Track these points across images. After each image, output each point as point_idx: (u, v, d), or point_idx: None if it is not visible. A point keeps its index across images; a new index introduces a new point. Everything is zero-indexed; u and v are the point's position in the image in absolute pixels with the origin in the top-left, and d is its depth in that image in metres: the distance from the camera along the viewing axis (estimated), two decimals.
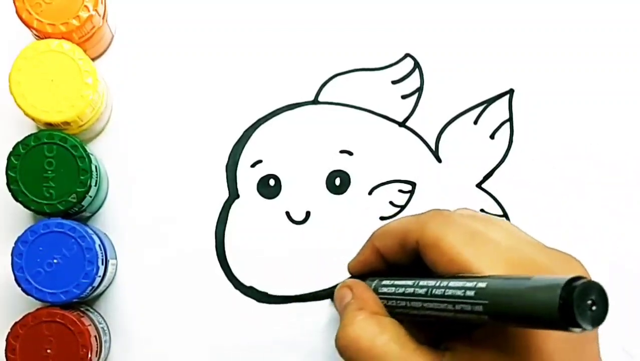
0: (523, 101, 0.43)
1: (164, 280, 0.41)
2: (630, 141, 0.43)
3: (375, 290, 0.36)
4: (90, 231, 0.38)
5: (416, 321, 0.33)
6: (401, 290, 0.33)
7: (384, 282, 0.35)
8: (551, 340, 0.29)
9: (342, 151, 0.42)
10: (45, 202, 0.37)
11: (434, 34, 0.43)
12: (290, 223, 0.42)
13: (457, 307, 0.29)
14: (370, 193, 0.42)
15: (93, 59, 0.41)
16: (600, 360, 0.31)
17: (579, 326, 0.24)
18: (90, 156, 0.38)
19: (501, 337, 0.30)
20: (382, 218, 0.42)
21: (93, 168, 0.38)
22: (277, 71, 0.43)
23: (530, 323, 0.26)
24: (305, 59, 0.43)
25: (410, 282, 0.33)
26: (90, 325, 0.38)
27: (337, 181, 0.42)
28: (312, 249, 0.42)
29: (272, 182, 0.42)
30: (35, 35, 0.39)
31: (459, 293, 0.29)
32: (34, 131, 0.39)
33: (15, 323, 0.37)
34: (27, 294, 0.37)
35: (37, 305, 0.38)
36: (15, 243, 0.37)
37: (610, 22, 0.43)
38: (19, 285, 0.37)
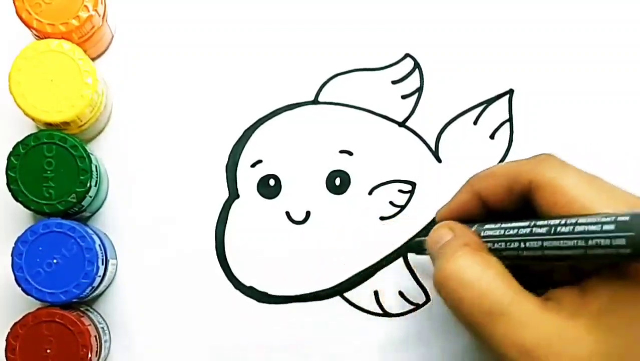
0: (523, 101, 0.43)
1: (164, 280, 0.41)
2: (630, 141, 0.43)
3: (477, 234, 0.34)
4: (90, 231, 0.38)
5: (516, 267, 0.32)
6: (513, 231, 0.32)
7: (488, 225, 0.34)
8: None
9: (342, 151, 0.42)
10: (45, 202, 0.37)
11: (434, 34, 0.43)
12: (290, 223, 0.42)
13: (591, 242, 0.28)
14: (370, 193, 0.42)
15: (93, 59, 0.41)
16: None
17: None
18: (90, 156, 0.38)
19: (617, 286, 0.29)
20: (382, 218, 0.42)
21: (93, 168, 0.38)
22: (277, 71, 0.43)
23: None
24: (305, 59, 0.43)
25: (524, 223, 0.32)
26: (90, 325, 0.38)
27: (337, 181, 0.42)
28: (312, 249, 0.42)
29: (272, 182, 0.42)
30: (35, 35, 0.39)
31: (594, 228, 0.28)
32: (34, 131, 0.39)
33: (15, 323, 0.37)
34: (27, 294, 0.37)
35: (37, 304, 0.38)
36: (15, 243, 0.37)
37: (610, 22, 0.43)
38: (19, 285, 0.37)
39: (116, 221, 0.42)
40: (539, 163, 0.33)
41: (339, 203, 0.42)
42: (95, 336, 0.38)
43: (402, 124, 0.43)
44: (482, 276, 0.32)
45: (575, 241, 0.29)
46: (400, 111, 0.43)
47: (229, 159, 0.42)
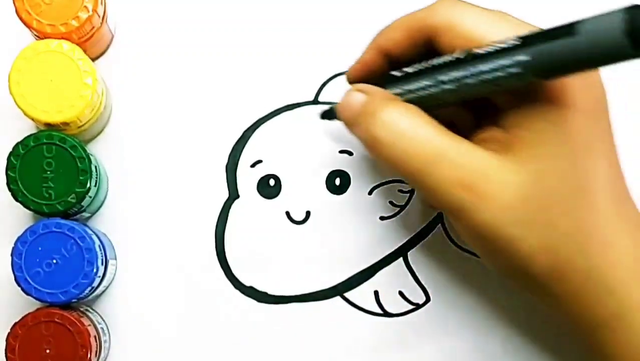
0: None
1: (164, 280, 0.41)
2: (630, 141, 0.42)
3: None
4: (89, 231, 0.38)
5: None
6: (422, 83, 0.33)
7: (397, 78, 0.35)
8: (577, 117, 0.31)
9: (342, 151, 0.42)
10: (44, 202, 0.37)
11: None
12: (290, 223, 0.42)
13: (496, 73, 0.30)
14: (370, 192, 0.42)
15: (93, 59, 0.41)
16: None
17: None
18: (90, 156, 0.38)
19: (530, 118, 0.31)
20: (382, 218, 0.42)
21: (92, 168, 0.38)
22: (277, 71, 0.43)
23: (590, 63, 0.27)
24: (305, 59, 0.43)
25: (424, 65, 0.33)
26: (89, 325, 0.38)
27: (337, 181, 0.42)
28: (312, 249, 0.42)
29: (272, 182, 0.42)
30: (35, 35, 0.39)
31: (498, 63, 0.30)
32: (34, 131, 0.39)
33: (15, 323, 0.37)
34: (27, 294, 0.37)
35: (37, 304, 0.38)
36: (15, 243, 0.37)
37: None
38: (19, 285, 0.37)
39: (116, 221, 0.42)
40: (435, 7, 0.33)
41: (339, 203, 0.42)
42: (95, 337, 0.38)
43: None
44: (414, 125, 0.32)
45: (483, 73, 0.30)
46: None
47: (229, 159, 0.42)
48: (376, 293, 0.42)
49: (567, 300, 0.32)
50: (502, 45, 0.30)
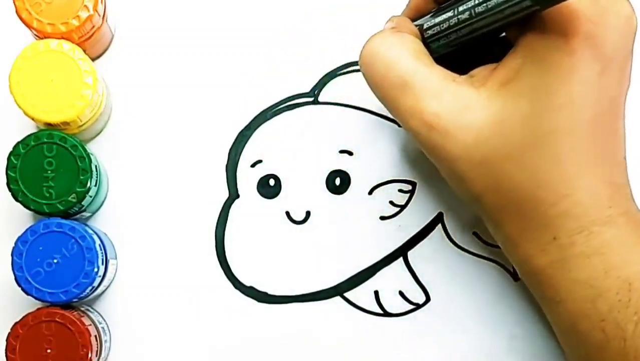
0: None
1: (164, 280, 0.41)
2: (630, 141, 0.43)
3: (420, 27, 0.36)
4: (90, 231, 0.38)
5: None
6: (445, 15, 0.35)
7: (430, 15, 0.36)
8: (569, 61, 0.31)
9: (342, 151, 0.42)
10: (45, 202, 0.37)
11: None
12: (290, 223, 0.42)
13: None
14: (370, 192, 0.42)
15: (93, 59, 0.41)
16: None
17: None
18: (90, 155, 0.38)
19: (527, 58, 0.32)
20: (382, 218, 0.42)
21: (93, 168, 0.38)
22: (277, 71, 0.43)
23: None
24: (306, 59, 0.43)
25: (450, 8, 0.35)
26: (90, 324, 0.38)
27: (337, 181, 0.42)
28: (312, 249, 0.42)
29: (272, 182, 0.42)
30: (35, 35, 0.39)
31: None
32: (34, 131, 0.39)
33: (15, 323, 0.37)
34: (27, 294, 0.37)
35: (37, 304, 0.38)
36: (15, 242, 0.37)
37: None
38: (19, 285, 0.37)
39: (116, 221, 0.42)
40: None
41: (339, 203, 0.42)
42: (96, 336, 0.38)
43: None
44: (390, 50, 0.34)
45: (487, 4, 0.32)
46: None
47: (229, 159, 0.42)
48: (376, 293, 0.42)
49: (513, 241, 0.33)
50: None
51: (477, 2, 0.33)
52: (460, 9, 0.34)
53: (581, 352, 0.33)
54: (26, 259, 0.37)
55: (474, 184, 0.33)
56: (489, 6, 0.32)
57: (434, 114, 0.33)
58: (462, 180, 0.34)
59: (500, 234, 0.35)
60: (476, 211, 0.35)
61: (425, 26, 0.36)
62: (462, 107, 0.33)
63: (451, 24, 0.34)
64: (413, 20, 0.37)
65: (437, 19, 0.35)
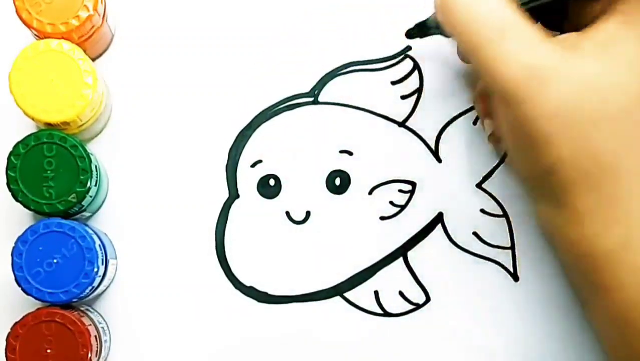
0: None
1: (164, 280, 0.41)
2: None
3: None
4: (90, 231, 0.38)
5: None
6: None
7: None
8: None
9: (342, 151, 0.42)
10: (45, 202, 0.37)
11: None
12: (290, 223, 0.42)
13: None
14: (370, 192, 0.42)
15: (93, 59, 0.41)
16: None
17: None
18: (90, 155, 0.38)
19: (605, 19, 0.32)
20: (382, 218, 0.42)
21: (93, 168, 0.38)
22: (277, 71, 0.43)
23: None
24: (305, 59, 0.43)
25: None
26: (90, 324, 0.38)
27: (337, 181, 0.42)
28: (312, 249, 0.42)
29: (272, 182, 0.42)
30: (35, 35, 0.39)
31: None
32: (34, 131, 0.39)
33: (15, 323, 0.37)
34: (27, 294, 0.37)
35: (37, 304, 0.38)
36: (15, 242, 0.37)
37: None
38: (19, 285, 0.37)
39: (116, 221, 0.42)
40: None
41: (339, 203, 0.42)
42: (95, 336, 0.38)
43: (402, 124, 0.43)
44: None
45: None
46: (400, 111, 0.43)
47: (229, 159, 0.42)
48: (376, 293, 0.42)
49: (578, 218, 0.32)
50: None
51: None
52: None
53: (634, 344, 0.31)
54: (26, 259, 0.37)
55: (556, 149, 0.31)
56: None
57: (539, 59, 0.31)
58: (542, 144, 0.31)
59: (563, 213, 0.32)
60: (535, 189, 0.34)
61: None
62: (564, 61, 0.31)
63: None
64: None
65: None
